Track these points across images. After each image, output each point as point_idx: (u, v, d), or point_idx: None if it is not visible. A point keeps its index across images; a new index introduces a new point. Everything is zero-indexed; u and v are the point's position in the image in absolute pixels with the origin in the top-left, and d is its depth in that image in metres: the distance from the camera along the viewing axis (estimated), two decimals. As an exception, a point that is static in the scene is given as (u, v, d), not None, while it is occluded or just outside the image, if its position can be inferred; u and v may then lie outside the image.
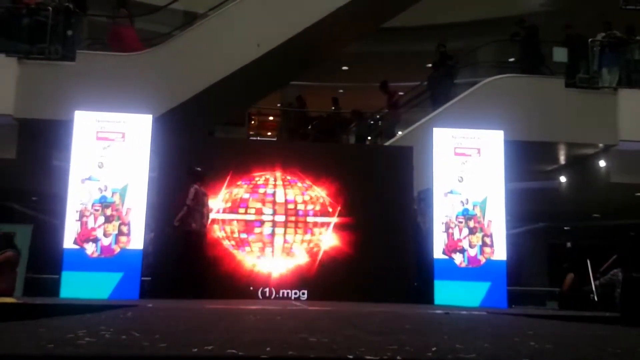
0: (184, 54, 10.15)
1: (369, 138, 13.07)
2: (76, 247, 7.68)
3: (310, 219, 8.44)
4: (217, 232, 8.24)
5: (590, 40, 11.24)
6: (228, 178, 8.33)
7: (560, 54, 11.05)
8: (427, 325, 3.73)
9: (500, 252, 8.34)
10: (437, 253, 8.28)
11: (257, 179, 8.42)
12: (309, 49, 10.94)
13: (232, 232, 8.29)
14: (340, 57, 13.85)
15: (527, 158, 11.17)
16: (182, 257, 7.64)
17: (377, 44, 14.31)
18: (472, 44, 12.70)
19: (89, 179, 7.81)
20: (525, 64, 11.54)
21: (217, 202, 8.26)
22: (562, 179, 12.65)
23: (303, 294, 8.14)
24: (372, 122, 13.69)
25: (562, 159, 12.27)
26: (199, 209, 7.76)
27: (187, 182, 7.82)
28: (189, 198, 7.67)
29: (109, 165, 7.87)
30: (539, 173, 13.02)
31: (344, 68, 16.19)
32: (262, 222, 8.35)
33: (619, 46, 11.23)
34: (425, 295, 8.21)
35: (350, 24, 11.05)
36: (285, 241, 8.42)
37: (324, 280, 8.13)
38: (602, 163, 11.22)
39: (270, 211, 8.41)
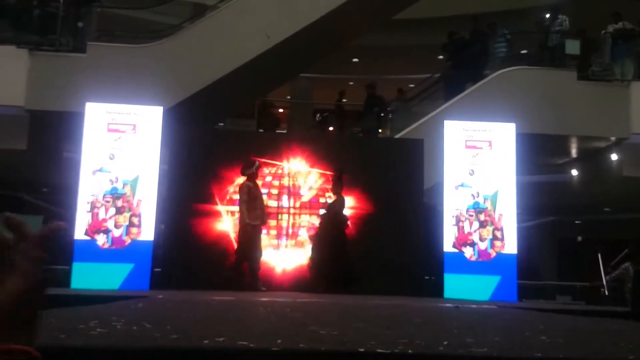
0: (194, 45, 10.14)
1: (379, 130, 13.03)
2: (87, 238, 7.73)
3: (320, 211, 8.44)
4: (224, 224, 8.25)
5: (603, 32, 11.12)
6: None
7: (572, 47, 10.93)
8: (437, 319, 3.72)
9: (510, 246, 8.31)
10: (448, 246, 8.26)
11: (267, 170, 8.41)
12: (319, 40, 10.90)
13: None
14: (351, 49, 13.78)
15: (539, 151, 11.10)
16: (237, 251, 7.77)
17: (388, 36, 14.23)
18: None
19: (100, 170, 7.85)
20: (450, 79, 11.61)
21: (227, 194, 8.29)
22: (574, 172, 12.57)
23: (311, 286, 8.09)
24: (382, 114, 13.63)
25: (573, 152, 12.18)
26: (253, 204, 7.74)
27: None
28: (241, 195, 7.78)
29: (120, 157, 7.90)
30: (550, 166, 12.94)
31: (354, 60, 16.13)
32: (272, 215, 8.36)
33: (631, 38, 11.10)
34: (434, 288, 8.21)
35: (361, 15, 10.99)
36: (294, 234, 8.43)
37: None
38: (614, 156, 11.12)
39: (280, 203, 8.42)
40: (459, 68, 11.56)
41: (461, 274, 8.15)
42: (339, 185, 8.03)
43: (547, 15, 11.44)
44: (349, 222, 8.11)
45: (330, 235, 7.81)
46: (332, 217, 7.97)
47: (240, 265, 7.69)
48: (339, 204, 8.02)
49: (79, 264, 7.65)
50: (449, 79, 11.71)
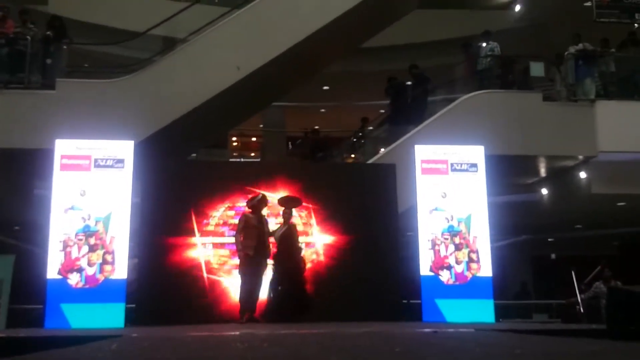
0: (164, 79, 10.14)
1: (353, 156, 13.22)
2: (60, 277, 7.60)
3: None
4: (200, 256, 8.17)
5: (566, 53, 11.41)
6: (210, 202, 8.31)
7: (536, 69, 11.21)
8: (416, 347, 3.73)
9: (486, 268, 8.38)
10: (424, 270, 8.30)
11: (240, 200, 8.35)
12: (289, 70, 11.00)
13: (215, 256, 8.20)
14: (321, 77, 13.94)
15: (508, 172, 11.26)
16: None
17: (357, 63, 14.44)
18: (449, 61, 12.87)
19: (72, 208, 7.77)
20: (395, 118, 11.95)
21: (202, 226, 8.23)
22: (544, 191, 12.77)
23: (289, 315, 7.97)
24: (354, 139, 13.80)
25: (542, 172, 12.38)
26: (246, 234, 7.62)
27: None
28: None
29: (91, 193, 7.84)
30: (520, 186, 13.13)
31: (325, 88, 16.29)
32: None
33: (593, 58, 11.41)
34: (413, 312, 8.22)
35: (330, 44, 11.13)
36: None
37: (309, 300, 8.02)
38: (582, 174, 11.34)
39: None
40: (400, 110, 11.88)
41: (439, 298, 8.19)
42: (288, 213, 7.90)
43: (484, 44, 11.74)
44: (303, 252, 7.96)
45: (285, 265, 7.62)
46: (287, 246, 7.71)
47: (246, 300, 7.52)
48: (291, 233, 7.78)
49: (53, 304, 7.52)
50: (393, 120, 12.09)
